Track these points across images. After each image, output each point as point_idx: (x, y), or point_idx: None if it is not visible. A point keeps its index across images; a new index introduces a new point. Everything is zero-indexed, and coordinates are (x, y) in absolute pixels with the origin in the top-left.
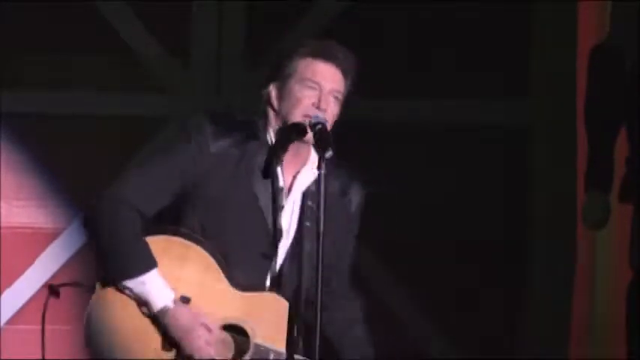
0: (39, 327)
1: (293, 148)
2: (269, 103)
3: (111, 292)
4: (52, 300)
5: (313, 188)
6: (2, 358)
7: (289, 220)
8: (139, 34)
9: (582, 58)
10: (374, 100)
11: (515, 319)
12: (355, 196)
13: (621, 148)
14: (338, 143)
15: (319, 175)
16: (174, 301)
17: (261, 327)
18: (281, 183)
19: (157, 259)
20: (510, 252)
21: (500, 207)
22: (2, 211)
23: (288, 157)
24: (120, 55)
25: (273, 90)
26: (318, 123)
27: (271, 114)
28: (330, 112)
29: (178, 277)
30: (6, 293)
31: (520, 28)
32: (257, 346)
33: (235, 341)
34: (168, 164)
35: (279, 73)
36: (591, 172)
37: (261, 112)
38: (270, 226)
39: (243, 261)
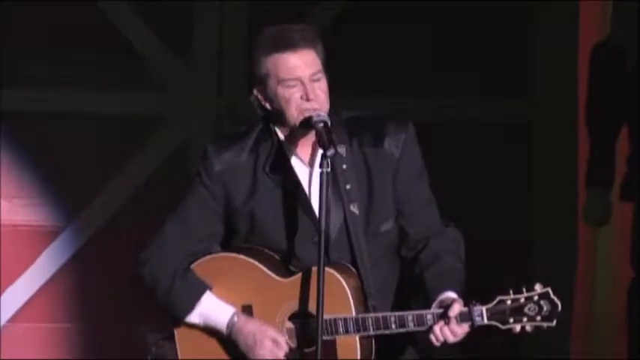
0: (40, 325)
1: (301, 136)
2: (262, 106)
3: (189, 336)
4: (51, 299)
5: (344, 166)
6: (3, 356)
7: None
8: (141, 33)
9: (583, 58)
10: (374, 98)
11: None
12: (394, 138)
13: (622, 147)
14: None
15: (322, 173)
16: (238, 314)
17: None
18: (303, 170)
19: (208, 280)
20: (510, 251)
21: (500, 206)
22: (3, 208)
23: (300, 146)
24: (120, 54)
25: (258, 94)
26: (320, 121)
27: (271, 113)
28: (320, 95)
29: (231, 290)
30: (7, 291)
31: (521, 27)
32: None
33: (304, 327)
34: (193, 203)
35: (255, 77)
36: (592, 170)
37: (261, 114)
38: (309, 212)
39: (295, 252)
